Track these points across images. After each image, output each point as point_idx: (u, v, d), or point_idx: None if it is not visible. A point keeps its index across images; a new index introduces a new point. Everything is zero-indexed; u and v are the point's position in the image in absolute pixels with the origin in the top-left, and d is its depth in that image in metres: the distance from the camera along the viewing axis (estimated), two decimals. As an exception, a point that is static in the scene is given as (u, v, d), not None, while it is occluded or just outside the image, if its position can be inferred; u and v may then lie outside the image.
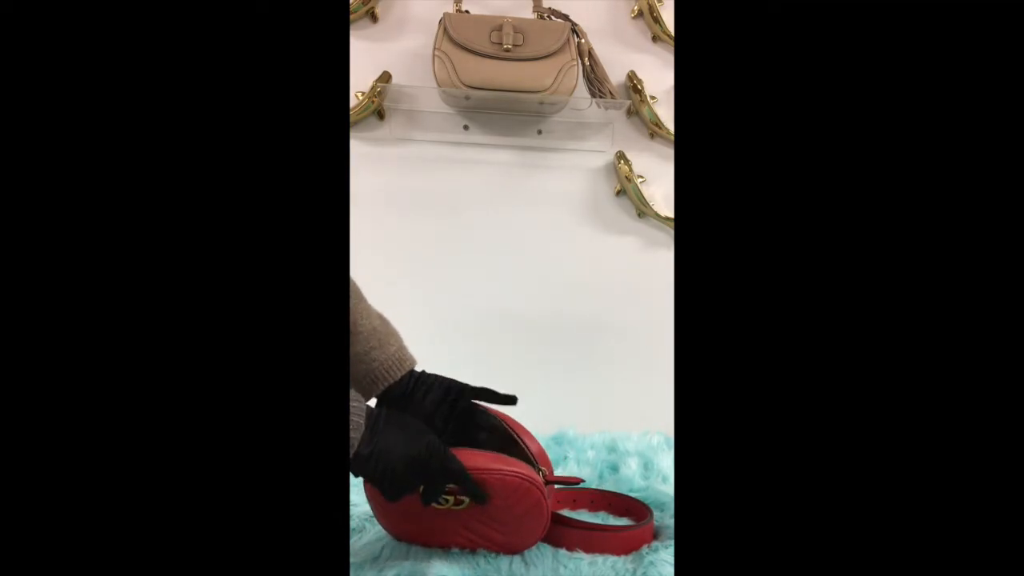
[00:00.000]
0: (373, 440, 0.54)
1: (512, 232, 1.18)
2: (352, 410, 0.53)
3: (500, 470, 0.57)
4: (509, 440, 0.67)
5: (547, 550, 0.64)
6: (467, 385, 0.70)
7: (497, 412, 0.70)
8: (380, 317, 0.72)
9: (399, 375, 0.69)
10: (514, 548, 0.63)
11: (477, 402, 0.71)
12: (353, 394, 0.54)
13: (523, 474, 0.58)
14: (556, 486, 0.66)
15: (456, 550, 0.62)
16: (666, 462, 0.92)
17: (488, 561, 0.61)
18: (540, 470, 0.62)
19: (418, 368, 0.71)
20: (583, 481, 0.67)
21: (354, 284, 0.70)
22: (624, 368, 1.17)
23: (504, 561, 0.62)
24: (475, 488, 0.57)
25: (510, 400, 0.69)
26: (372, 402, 0.67)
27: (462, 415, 0.69)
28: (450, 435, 0.68)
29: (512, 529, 0.61)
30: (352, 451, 0.52)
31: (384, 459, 0.54)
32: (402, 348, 0.71)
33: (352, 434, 0.52)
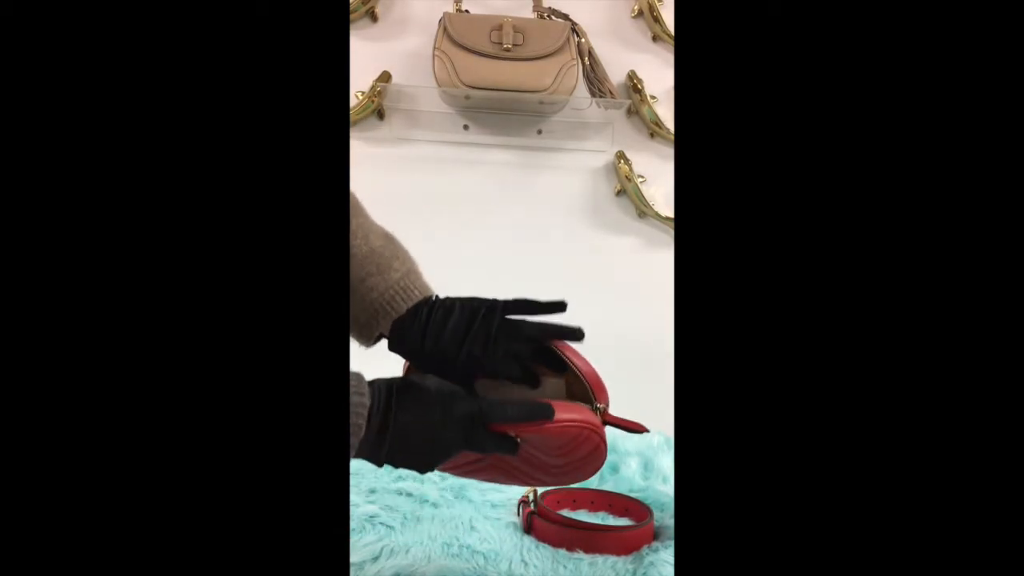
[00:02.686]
0: (387, 421, 0.43)
1: (512, 232, 1.18)
2: (353, 396, 0.42)
3: (560, 421, 0.49)
4: (559, 363, 0.56)
5: (547, 550, 0.64)
6: (497, 300, 0.58)
7: None
8: (385, 236, 0.57)
9: (403, 307, 0.54)
10: (562, 484, 0.59)
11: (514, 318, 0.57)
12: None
13: (584, 422, 0.50)
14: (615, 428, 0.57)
15: (456, 548, 0.62)
16: (666, 462, 0.92)
17: (488, 560, 0.61)
18: (597, 408, 0.54)
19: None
20: (647, 430, 0.57)
21: (354, 196, 0.56)
22: (624, 368, 1.17)
23: (504, 561, 0.62)
24: (509, 445, 0.48)
25: (557, 307, 0.58)
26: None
27: (503, 338, 0.54)
28: (494, 365, 0.54)
29: (564, 472, 0.55)
30: (358, 434, 0.42)
31: (407, 444, 0.44)
32: (411, 273, 0.56)
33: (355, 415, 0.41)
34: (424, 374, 0.49)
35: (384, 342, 0.56)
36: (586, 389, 0.55)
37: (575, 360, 0.56)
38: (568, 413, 0.49)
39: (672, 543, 0.67)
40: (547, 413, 0.46)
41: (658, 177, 1.19)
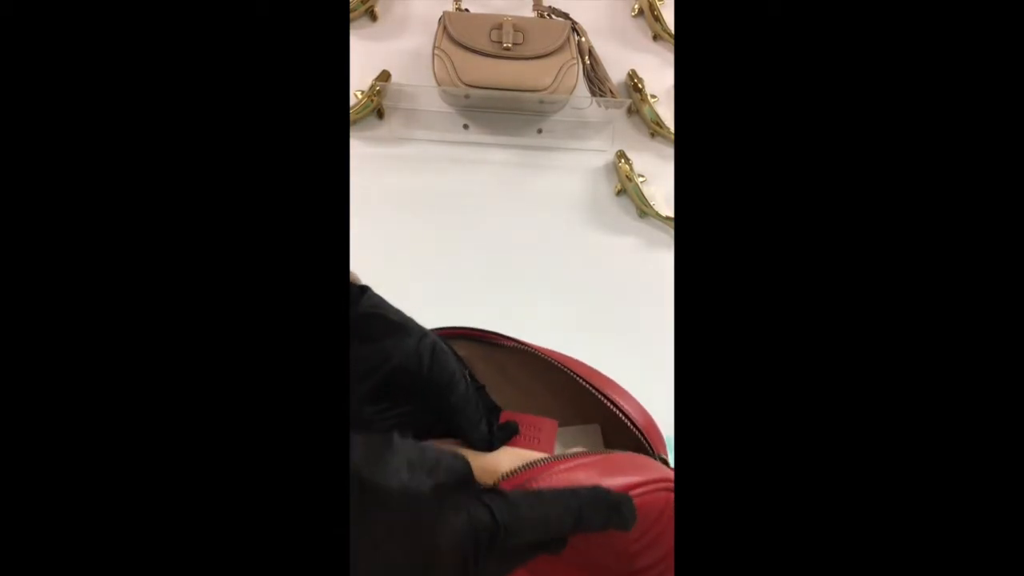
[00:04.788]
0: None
1: (512, 232, 1.18)
2: None
3: (632, 485, 0.30)
4: (594, 405, 0.37)
5: (547, 550, 0.64)
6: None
7: (548, 352, 0.39)
8: None
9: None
10: None
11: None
12: None
13: (662, 481, 0.32)
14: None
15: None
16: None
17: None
18: (662, 459, 0.36)
19: None
20: None
21: None
22: (624, 368, 1.17)
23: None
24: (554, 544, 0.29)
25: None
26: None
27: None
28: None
29: (649, 563, 0.32)
30: None
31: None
32: None
33: None
34: (379, 456, 0.27)
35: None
36: (633, 437, 0.37)
37: (621, 402, 0.38)
38: (636, 474, 0.30)
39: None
40: (624, 515, 0.28)
41: (659, 177, 1.19)
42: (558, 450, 0.34)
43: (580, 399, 0.37)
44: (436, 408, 0.33)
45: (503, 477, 0.29)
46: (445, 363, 0.33)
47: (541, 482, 0.29)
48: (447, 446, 0.30)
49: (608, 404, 0.37)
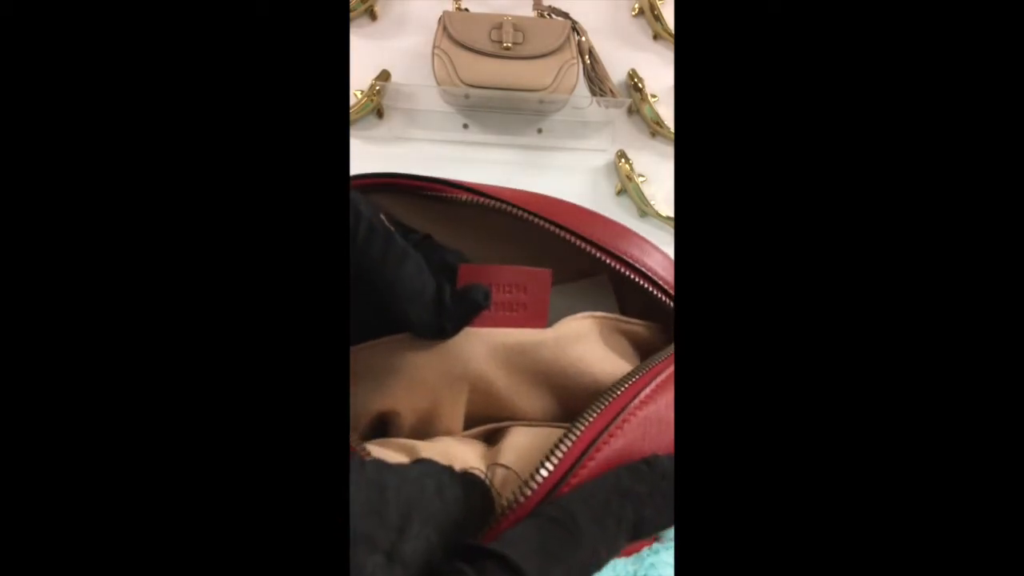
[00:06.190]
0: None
1: (512, 231, 1.17)
2: None
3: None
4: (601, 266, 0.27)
5: (547, 550, 0.64)
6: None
7: (521, 198, 0.30)
8: None
9: None
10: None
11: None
12: None
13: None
14: None
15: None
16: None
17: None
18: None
19: None
20: None
21: None
22: (624, 367, 1.17)
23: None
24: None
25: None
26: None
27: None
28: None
29: None
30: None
31: None
32: None
33: None
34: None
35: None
36: (658, 302, 0.27)
37: (640, 256, 0.27)
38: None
39: (672, 544, 0.67)
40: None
41: (659, 176, 1.19)
42: (561, 325, 0.23)
43: (580, 259, 0.25)
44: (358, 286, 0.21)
45: (518, 496, 0.18)
46: (353, 216, 0.20)
47: (581, 474, 0.19)
48: (447, 444, 0.19)
49: (618, 266, 0.24)
